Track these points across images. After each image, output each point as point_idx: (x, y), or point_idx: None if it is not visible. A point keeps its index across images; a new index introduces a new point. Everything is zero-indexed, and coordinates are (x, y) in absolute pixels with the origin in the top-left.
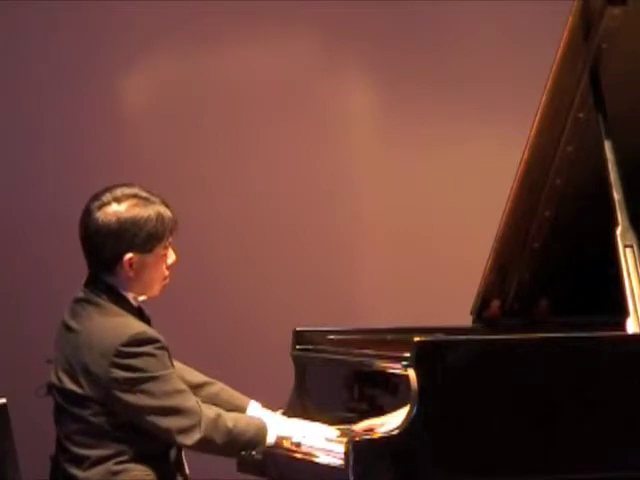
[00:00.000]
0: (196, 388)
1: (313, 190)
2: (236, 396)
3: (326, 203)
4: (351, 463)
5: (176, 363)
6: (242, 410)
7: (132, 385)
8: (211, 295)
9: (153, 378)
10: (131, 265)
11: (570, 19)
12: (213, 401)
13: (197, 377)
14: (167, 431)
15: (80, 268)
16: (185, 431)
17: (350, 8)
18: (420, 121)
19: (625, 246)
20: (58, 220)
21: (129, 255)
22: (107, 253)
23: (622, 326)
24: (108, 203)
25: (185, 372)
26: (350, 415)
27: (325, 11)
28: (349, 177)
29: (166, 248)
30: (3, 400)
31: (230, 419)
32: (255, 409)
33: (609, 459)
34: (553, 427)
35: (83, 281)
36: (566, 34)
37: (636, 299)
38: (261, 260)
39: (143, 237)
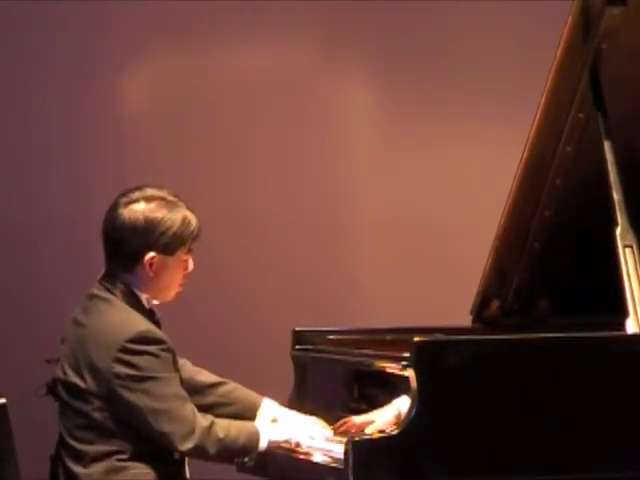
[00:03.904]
0: (210, 387)
1: (313, 190)
2: (250, 394)
3: (326, 203)
4: (351, 463)
5: (187, 365)
6: (256, 408)
7: (132, 383)
8: (210, 295)
9: (154, 378)
10: (151, 265)
11: (570, 19)
12: (227, 400)
13: (210, 377)
14: (161, 435)
15: (80, 268)
16: (179, 437)
17: (350, 8)
18: (420, 121)
19: (625, 246)
20: (59, 220)
21: (151, 254)
22: (129, 249)
23: (622, 326)
24: (137, 200)
25: (197, 373)
26: (350, 415)
27: (325, 11)
28: (349, 177)
29: (187, 254)
30: (3, 400)
31: (221, 429)
32: (270, 407)
33: (609, 459)
34: (553, 427)
35: (97, 277)
36: (566, 34)
37: (636, 299)
38: (261, 260)
39: (168, 238)
